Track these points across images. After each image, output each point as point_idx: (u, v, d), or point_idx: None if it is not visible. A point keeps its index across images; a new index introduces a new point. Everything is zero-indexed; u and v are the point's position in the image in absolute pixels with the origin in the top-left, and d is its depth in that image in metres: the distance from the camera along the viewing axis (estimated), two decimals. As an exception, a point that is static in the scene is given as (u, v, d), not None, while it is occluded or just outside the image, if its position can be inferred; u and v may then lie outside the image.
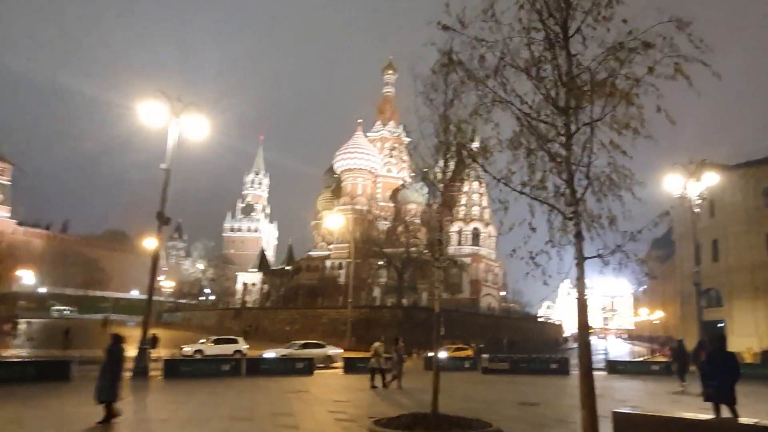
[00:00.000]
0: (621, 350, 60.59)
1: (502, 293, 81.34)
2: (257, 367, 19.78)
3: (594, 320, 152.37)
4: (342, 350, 29.67)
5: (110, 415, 9.60)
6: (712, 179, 24.89)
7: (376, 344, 18.02)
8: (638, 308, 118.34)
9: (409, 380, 17.26)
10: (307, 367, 20.41)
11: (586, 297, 6.54)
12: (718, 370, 8.36)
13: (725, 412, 8.32)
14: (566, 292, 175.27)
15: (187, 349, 28.75)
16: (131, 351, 19.63)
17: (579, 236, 6.31)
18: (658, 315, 77.51)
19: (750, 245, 37.13)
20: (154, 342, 21.85)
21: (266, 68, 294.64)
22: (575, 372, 25.24)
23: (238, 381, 17.42)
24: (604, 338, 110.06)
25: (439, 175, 9.02)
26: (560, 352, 61.03)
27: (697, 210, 25.09)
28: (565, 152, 6.24)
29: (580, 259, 6.26)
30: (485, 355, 24.34)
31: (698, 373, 18.13)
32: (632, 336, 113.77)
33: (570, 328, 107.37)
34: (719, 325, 37.33)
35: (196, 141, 20.04)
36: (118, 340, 10.17)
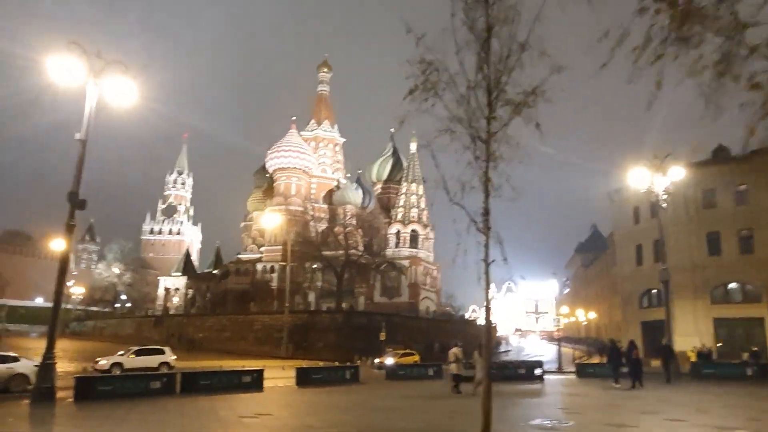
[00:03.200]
0: (549, 352, 60.83)
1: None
2: (195, 383, 16.42)
3: (519, 322, 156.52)
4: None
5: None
6: (677, 174, 24.41)
7: (455, 349, 17.60)
8: (560, 310, 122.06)
9: (374, 390, 14.66)
10: (257, 380, 17.29)
11: None
12: None
13: None
14: (491, 296, 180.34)
15: (103, 362, 24.55)
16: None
17: None
18: (585, 317, 79.43)
19: (690, 245, 37.73)
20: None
21: (189, 66, 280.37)
22: (549, 377, 24.04)
23: (173, 402, 14.04)
24: (525, 339, 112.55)
25: (484, 124, 6.61)
26: (497, 355, 60.62)
27: (664, 205, 24.51)
28: None
29: None
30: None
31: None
32: (554, 337, 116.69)
33: (504, 330, 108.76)
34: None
35: (121, 110, 16.47)
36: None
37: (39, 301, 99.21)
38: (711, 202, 38.32)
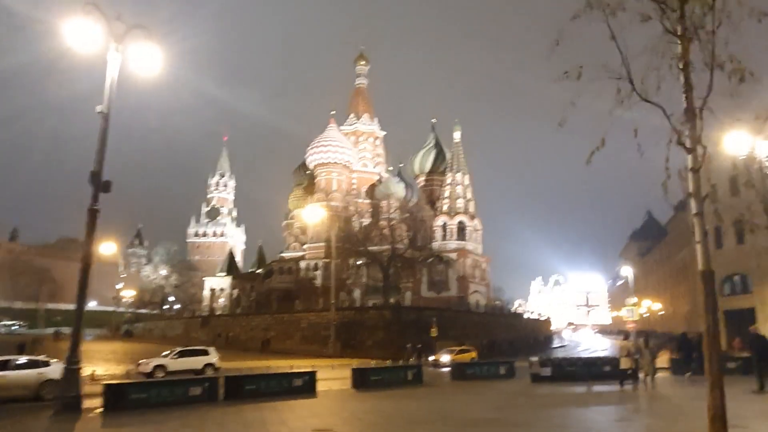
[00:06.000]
0: (605, 346, 56.95)
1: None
2: (240, 388, 14.41)
3: (571, 316, 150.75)
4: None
5: None
6: (785, 136, 20.88)
7: (625, 342, 17.82)
8: (614, 303, 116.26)
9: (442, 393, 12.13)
10: (309, 384, 15.15)
11: None
12: None
13: None
14: (537, 289, 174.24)
15: (145, 365, 23.08)
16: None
17: None
18: (647, 309, 74.38)
19: (781, 224, 33.54)
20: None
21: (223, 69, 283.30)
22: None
23: (215, 411, 12.02)
24: (577, 333, 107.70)
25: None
26: (549, 350, 57.00)
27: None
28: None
29: None
30: (534, 359, 19.59)
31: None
32: (605, 330, 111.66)
33: (555, 324, 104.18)
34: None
35: (145, 79, 14.62)
36: None
37: (92, 305, 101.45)
38: (803, 173, 34.05)
